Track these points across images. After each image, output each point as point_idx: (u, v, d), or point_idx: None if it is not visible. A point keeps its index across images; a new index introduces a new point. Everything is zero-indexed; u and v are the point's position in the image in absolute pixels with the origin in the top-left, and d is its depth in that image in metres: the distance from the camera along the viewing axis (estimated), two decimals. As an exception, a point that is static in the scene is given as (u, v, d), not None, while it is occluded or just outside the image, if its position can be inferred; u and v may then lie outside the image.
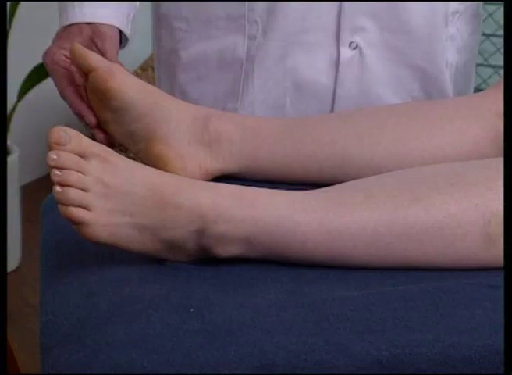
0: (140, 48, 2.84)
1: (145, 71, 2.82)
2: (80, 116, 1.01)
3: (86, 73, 0.98)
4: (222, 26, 1.14)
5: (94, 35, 1.03)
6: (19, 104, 2.18)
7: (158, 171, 0.85)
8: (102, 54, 1.01)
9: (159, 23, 1.22)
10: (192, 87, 1.17)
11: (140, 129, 0.98)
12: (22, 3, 2.11)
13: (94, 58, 0.97)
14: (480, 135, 0.97)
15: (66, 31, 1.04)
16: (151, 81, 2.74)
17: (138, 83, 0.97)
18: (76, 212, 0.79)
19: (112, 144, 1.01)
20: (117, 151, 0.85)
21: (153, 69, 2.56)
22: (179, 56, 1.17)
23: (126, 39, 1.08)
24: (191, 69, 1.17)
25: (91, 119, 1.00)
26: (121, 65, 1.00)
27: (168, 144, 0.98)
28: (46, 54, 1.04)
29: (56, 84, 1.03)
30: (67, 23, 1.05)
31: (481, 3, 1.21)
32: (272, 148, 0.99)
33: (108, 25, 1.05)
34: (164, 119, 0.97)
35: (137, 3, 1.12)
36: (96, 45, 1.02)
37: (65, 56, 1.01)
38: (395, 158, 0.96)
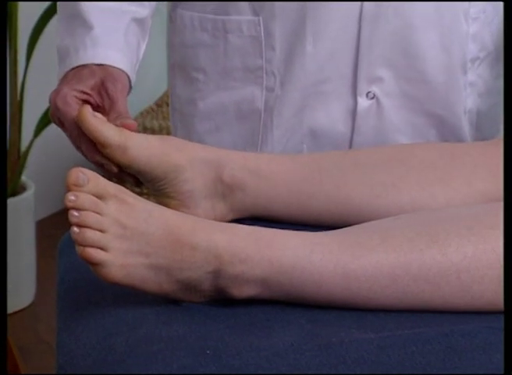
0: (155, 83, 2.86)
1: (160, 107, 2.82)
2: (99, 165, 0.96)
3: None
4: (240, 78, 1.13)
5: (105, 78, 1.00)
6: (36, 140, 2.18)
7: (175, 212, 0.85)
8: (112, 101, 0.98)
9: (173, 72, 1.20)
10: (210, 136, 1.16)
11: (159, 187, 0.97)
12: (40, 42, 2.13)
13: (108, 134, 0.93)
14: (497, 197, 0.96)
15: (78, 73, 1.00)
16: (166, 116, 2.74)
17: (150, 150, 0.94)
18: (93, 253, 0.80)
19: (140, 183, 0.98)
20: (130, 188, 0.85)
21: (168, 105, 2.56)
22: (197, 106, 1.17)
23: (131, 88, 1.04)
24: (209, 119, 1.16)
25: (113, 168, 0.95)
26: (128, 116, 0.97)
27: (186, 206, 0.97)
28: (57, 94, 0.98)
29: (68, 130, 0.99)
30: (79, 63, 1.01)
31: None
32: (286, 201, 0.99)
33: (119, 69, 1.01)
34: (179, 181, 0.96)
35: (141, 52, 1.08)
36: (107, 90, 0.99)
37: (77, 98, 0.98)
38: None
